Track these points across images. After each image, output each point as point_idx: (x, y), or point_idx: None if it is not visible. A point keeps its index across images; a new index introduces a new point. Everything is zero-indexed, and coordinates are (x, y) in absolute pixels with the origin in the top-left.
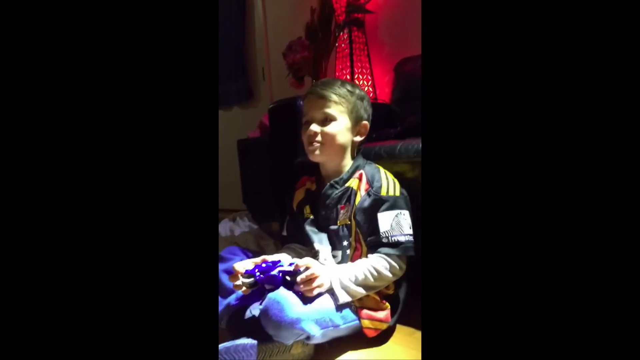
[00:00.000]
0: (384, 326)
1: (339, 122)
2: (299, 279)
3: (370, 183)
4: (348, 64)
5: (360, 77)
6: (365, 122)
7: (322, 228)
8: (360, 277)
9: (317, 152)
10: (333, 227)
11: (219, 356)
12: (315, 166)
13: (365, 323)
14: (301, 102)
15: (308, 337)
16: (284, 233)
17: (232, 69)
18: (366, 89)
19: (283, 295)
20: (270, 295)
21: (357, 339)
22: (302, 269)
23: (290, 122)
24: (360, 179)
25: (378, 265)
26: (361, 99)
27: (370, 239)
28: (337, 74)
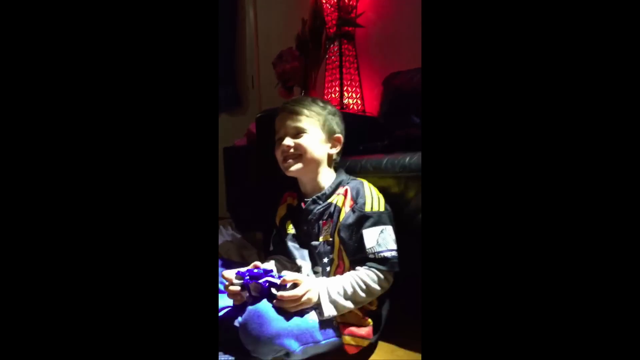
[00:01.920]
0: (366, 343)
1: (312, 135)
2: (281, 294)
3: (354, 199)
4: (337, 76)
5: (350, 89)
6: (338, 134)
7: (303, 244)
8: (349, 290)
9: (293, 166)
10: (315, 242)
11: None
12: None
13: (347, 339)
14: None
15: (287, 354)
16: (271, 248)
17: (222, 75)
18: (355, 101)
19: (263, 309)
20: (250, 308)
21: (337, 357)
22: (288, 285)
23: None
24: (345, 195)
25: (366, 278)
26: (333, 114)
27: (356, 256)
28: (326, 85)
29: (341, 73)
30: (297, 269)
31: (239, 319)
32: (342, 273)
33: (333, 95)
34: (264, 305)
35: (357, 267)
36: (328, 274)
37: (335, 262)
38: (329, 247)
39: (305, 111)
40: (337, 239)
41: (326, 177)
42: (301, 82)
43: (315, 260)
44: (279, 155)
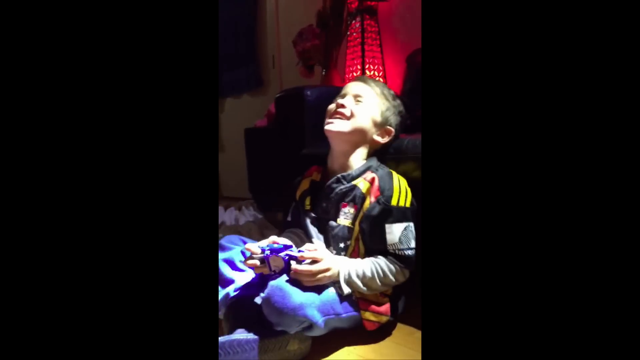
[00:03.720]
0: (384, 319)
1: (368, 107)
2: (295, 267)
3: (381, 190)
4: (359, 53)
5: (372, 67)
6: (391, 127)
7: (320, 221)
8: (368, 275)
9: (336, 124)
10: (333, 223)
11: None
12: (323, 158)
13: (366, 315)
14: (308, 92)
15: (310, 326)
16: (288, 218)
17: (243, 55)
18: (377, 79)
19: (285, 283)
20: (272, 283)
21: (356, 335)
22: (307, 261)
23: (297, 112)
24: (372, 183)
25: (386, 268)
26: (398, 109)
27: (376, 247)
28: (347, 63)
29: (363, 50)
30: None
31: (261, 294)
32: (356, 257)
33: (355, 74)
34: (286, 279)
35: (378, 256)
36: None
37: (352, 247)
38: (347, 233)
39: (375, 86)
40: (356, 227)
41: (358, 158)
42: (322, 60)
43: (329, 241)
44: (329, 109)
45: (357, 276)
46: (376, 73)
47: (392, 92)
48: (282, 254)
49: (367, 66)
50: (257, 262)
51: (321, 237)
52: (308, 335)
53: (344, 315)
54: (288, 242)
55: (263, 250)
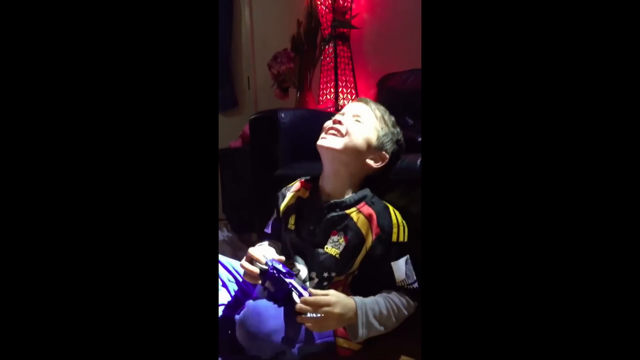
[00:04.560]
0: (357, 347)
1: (366, 130)
2: (305, 298)
3: (381, 227)
4: (333, 77)
5: (345, 90)
6: (385, 153)
7: (303, 242)
8: (385, 313)
9: (331, 139)
10: (320, 250)
11: None
12: (293, 181)
13: (339, 341)
14: (282, 114)
15: (283, 353)
16: (268, 230)
17: (219, 76)
18: (349, 102)
19: (263, 306)
20: (249, 304)
21: (330, 358)
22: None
23: (270, 133)
24: (369, 219)
25: (400, 304)
26: (396, 137)
27: (384, 286)
28: (321, 86)
29: (336, 74)
30: (290, 267)
31: (236, 316)
32: (336, 288)
33: (329, 97)
34: (263, 302)
35: (387, 291)
36: (323, 288)
37: (337, 279)
38: (333, 264)
39: (377, 110)
40: (356, 264)
41: (351, 184)
42: (297, 83)
43: (313, 266)
44: (326, 125)
45: (375, 317)
46: (349, 96)
47: (393, 119)
48: (288, 280)
49: (340, 90)
50: (257, 271)
51: (301, 260)
52: None
53: (318, 341)
54: (294, 270)
55: (267, 264)
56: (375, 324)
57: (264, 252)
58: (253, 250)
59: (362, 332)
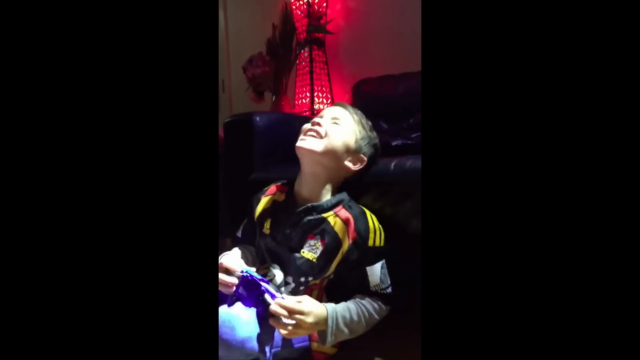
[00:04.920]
0: (333, 351)
1: (345, 132)
2: (278, 301)
3: (357, 232)
4: (308, 81)
5: (320, 94)
6: (364, 156)
7: (280, 246)
8: (355, 319)
9: (309, 141)
10: (297, 255)
11: None
12: (268, 184)
13: (314, 346)
14: (257, 118)
15: (258, 358)
16: (239, 234)
17: None
18: (326, 106)
19: (235, 314)
20: (222, 312)
21: None
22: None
23: (245, 137)
24: (347, 223)
25: (371, 309)
26: (373, 141)
27: (357, 289)
28: (297, 90)
29: (312, 79)
30: (270, 279)
31: None
32: (310, 293)
33: (304, 101)
34: (236, 309)
35: (360, 296)
36: (299, 293)
37: (312, 283)
38: (310, 269)
39: (354, 114)
40: (332, 269)
41: (329, 187)
42: (272, 86)
43: (289, 271)
44: (304, 127)
45: (345, 324)
46: (325, 101)
47: (370, 123)
48: (263, 284)
49: (315, 94)
50: (236, 282)
51: (277, 265)
52: None
53: (294, 346)
54: (267, 277)
55: (242, 272)
56: (345, 330)
57: (239, 262)
58: (227, 261)
59: (330, 339)
